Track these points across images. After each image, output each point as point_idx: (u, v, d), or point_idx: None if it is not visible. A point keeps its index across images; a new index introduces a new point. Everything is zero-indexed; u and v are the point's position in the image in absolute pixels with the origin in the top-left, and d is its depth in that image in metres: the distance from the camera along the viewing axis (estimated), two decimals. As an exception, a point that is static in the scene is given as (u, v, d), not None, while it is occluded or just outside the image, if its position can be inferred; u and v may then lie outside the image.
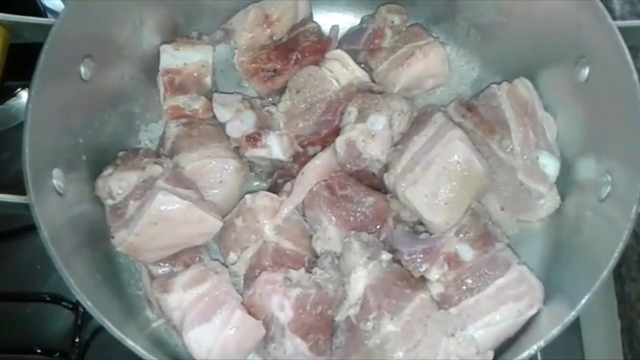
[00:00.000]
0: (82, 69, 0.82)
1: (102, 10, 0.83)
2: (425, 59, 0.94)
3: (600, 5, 0.77)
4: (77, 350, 0.92)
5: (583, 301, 0.67)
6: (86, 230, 0.82)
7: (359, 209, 0.84)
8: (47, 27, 0.78)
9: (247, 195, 0.86)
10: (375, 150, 0.86)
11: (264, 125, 0.90)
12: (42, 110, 0.75)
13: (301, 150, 0.92)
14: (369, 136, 0.86)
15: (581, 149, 0.84)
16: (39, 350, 0.93)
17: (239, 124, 0.90)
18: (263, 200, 0.85)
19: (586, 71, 0.80)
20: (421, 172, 0.81)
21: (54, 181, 0.76)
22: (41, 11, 1.10)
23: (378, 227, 0.84)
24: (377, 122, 0.87)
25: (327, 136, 0.91)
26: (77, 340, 0.92)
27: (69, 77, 0.80)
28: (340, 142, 0.86)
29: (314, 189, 0.85)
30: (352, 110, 0.89)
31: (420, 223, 0.84)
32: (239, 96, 0.94)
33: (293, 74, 0.94)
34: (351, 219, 0.84)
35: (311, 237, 0.86)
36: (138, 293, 0.88)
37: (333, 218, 0.84)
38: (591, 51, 0.79)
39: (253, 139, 0.89)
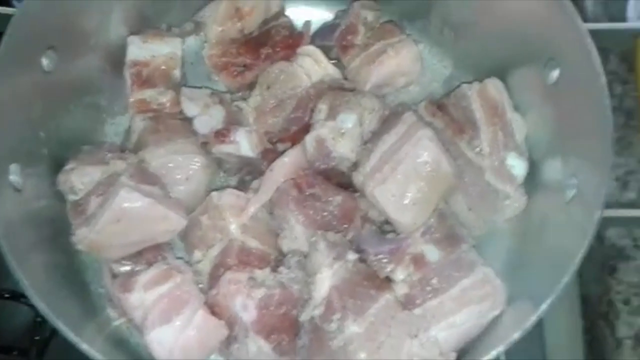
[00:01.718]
0: (44, 61, 0.79)
1: (66, 0, 0.81)
2: (397, 57, 0.94)
3: (571, 6, 0.77)
4: (36, 349, 0.89)
5: (544, 306, 0.67)
6: (46, 227, 0.80)
7: (326, 208, 0.83)
8: (7, 17, 0.75)
9: (213, 193, 0.84)
10: (344, 149, 0.85)
11: (232, 121, 0.89)
12: (0, 103, 0.73)
13: (270, 146, 0.90)
14: (339, 134, 0.85)
15: (549, 150, 0.84)
16: (-4, 348, 0.91)
17: (207, 119, 0.88)
18: (229, 197, 0.84)
19: (556, 73, 0.80)
20: (390, 171, 0.81)
21: (11, 177, 0.74)
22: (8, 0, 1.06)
23: (345, 226, 0.83)
24: (348, 120, 0.86)
25: (297, 133, 0.90)
26: (36, 338, 0.90)
27: (29, 69, 0.78)
28: (309, 139, 0.85)
29: (282, 187, 0.84)
30: (323, 108, 0.88)
31: (388, 223, 0.84)
32: (207, 90, 0.93)
33: (263, 69, 0.93)
34: (318, 218, 0.83)
35: (278, 235, 0.85)
36: (100, 291, 0.86)
37: (300, 217, 0.83)
38: (561, 53, 0.79)
39: (221, 134, 0.87)
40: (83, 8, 0.84)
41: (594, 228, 0.68)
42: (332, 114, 0.86)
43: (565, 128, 0.81)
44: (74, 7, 0.82)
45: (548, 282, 0.70)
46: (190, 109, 0.89)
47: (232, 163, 0.91)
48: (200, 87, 0.95)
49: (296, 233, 0.83)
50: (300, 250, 0.82)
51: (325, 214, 0.83)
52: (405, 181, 0.80)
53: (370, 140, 0.87)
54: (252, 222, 0.84)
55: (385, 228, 0.85)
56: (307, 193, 0.84)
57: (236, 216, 0.83)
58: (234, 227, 0.82)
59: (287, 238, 0.83)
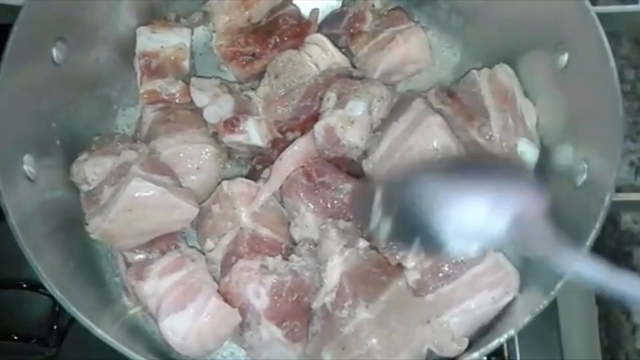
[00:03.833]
0: (54, 52, 0.80)
1: (75, -9, 0.81)
2: (406, 44, 0.93)
3: (580, -11, 0.76)
4: (55, 337, 0.91)
5: (554, 291, 0.67)
6: (60, 217, 0.81)
7: (336, 196, 0.84)
8: (17, 9, 0.76)
9: (223, 182, 0.85)
10: (354, 137, 0.85)
11: (242, 110, 0.89)
12: (12, 95, 0.73)
13: (280, 136, 0.91)
14: (348, 122, 0.85)
15: (560, 136, 0.83)
16: (15, 337, 0.91)
17: (216, 109, 0.89)
18: (240, 186, 0.84)
19: (565, 57, 0.80)
20: (400, 159, 0.81)
21: (25, 167, 0.74)
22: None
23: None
24: (356, 108, 0.86)
25: (306, 122, 0.90)
26: (54, 327, 0.91)
27: (40, 61, 0.79)
28: (318, 128, 0.85)
29: (292, 176, 0.85)
30: (331, 96, 0.88)
31: None
32: (217, 80, 0.93)
33: (272, 58, 0.93)
34: (329, 205, 0.83)
35: (289, 224, 0.86)
36: (115, 280, 0.87)
37: (310, 205, 0.83)
38: (570, 37, 0.79)
39: (231, 124, 0.88)
40: (91, -1, 0.85)
41: (605, 212, 0.68)
42: (341, 102, 0.86)
43: (575, 113, 0.80)
44: (82, -1, 0.83)
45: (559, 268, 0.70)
46: (200, 99, 0.89)
47: (242, 152, 0.92)
48: (209, 77, 0.95)
49: (307, 221, 0.83)
50: (312, 238, 0.83)
51: (335, 202, 0.83)
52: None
53: (380, 127, 0.87)
54: (263, 211, 0.84)
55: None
56: (317, 181, 0.84)
57: (247, 205, 0.83)
58: (245, 216, 0.83)
59: (297, 226, 0.84)
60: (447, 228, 0.63)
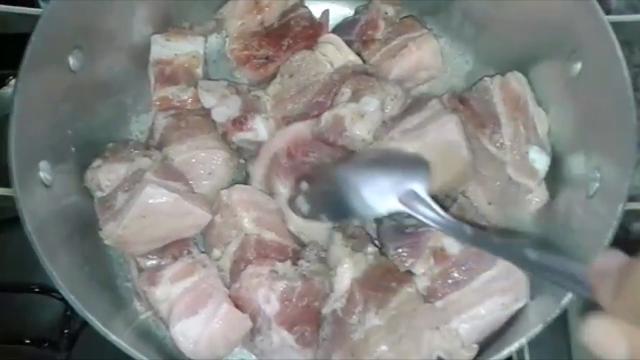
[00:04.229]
0: (71, 60, 0.81)
1: (92, 1, 0.83)
2: (418, 51, 0.94)
3: (593, -1, 0.76)
4: (67, 341, 0.92)
5: (566, 299, 0.67)
6: (74, 222, 0.82)
7: (308, 160, 0.84)
8: (35, 18, 0.77)
9: (222, 191, 0.85)
10: (361, 130, 0.85)
11: (250, 109, 0.90)
12: (29, 102, 0.74)
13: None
14: (359, 116, 0.85)
15: (572, 144, 0.83)
16: (27, 341, 0.93)
17: (224, 109, 0.89)
18: (238, 193, 0.85)
19: (578, 66, 0.79)
20: (410, 139, 0.81)
21: (41, 173, 0.75)
22: (34, 1, 1.09)
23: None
24: (370, 103, 0.86)
25: (316, 117, 0.89)
26: (66, 330, 0.92)
27: (57, 69, 0.80)
28: (327, 115, 0.86)
29: (275, 154, 0.85)
30: (346, 91, 0.88)
31: (408, 216, 0.84)
32: (224, 82, 0.94)
33: (285, 60, 0.94)
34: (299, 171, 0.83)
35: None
36: (127, 285, 0.88)
37: (287, 182, 0.83)
38: (583, 45, 0.78)
39: (239, 122, 0.88)
40: (108, 8, 0.86)
41: (617, 221, 0.68)
42: (354, 97, 0.87)
43: (588, 121, 0.80)
44: (99, 8, 0.84)
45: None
46: (207, 100, 0.90)
47: (253, 151, 0.92)
48: (217, 80, 0.96)
49: (284, 199, 0.83)
50: (320, 243, 0.83)
51: (304, 165, 0.83)
52: (422, 148, 0.80)
53: (392, 120, 0.87)
54: (266, 215, 0.85)
55: (404, 222, 0.85)
56: (299, 160, 0.84)
57: (247, 211, 0.84)
58: (247, 222, 0.83)
59: (289, 218, 0.84)
60: (354, 200, 0.77)
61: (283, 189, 0.84)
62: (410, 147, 0.81)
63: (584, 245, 0.73)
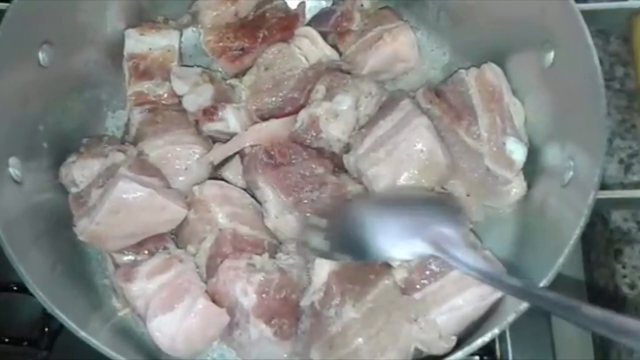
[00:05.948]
0: (40, 55, 0.80)
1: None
2: (394, 43, 0.93)
3: (563, -14, 0.76)
4: (46, 340, 0.91)
5: (540, 285, 0.67)
6: (48, 219, 0.81)
7: (297, 171, 0.83)
8: (2, 13, 0.76)
9: (194, 187, 0.84)
10: (335, 131, 0.85)
11: (222, 99, 0.89)
12: (-3, 98, 0.74)
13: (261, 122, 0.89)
14: (333, 115, 0.85)
15: (548, 134, 0.84)
16: (7, 340, 0.92)
17: (195, 98, 0.89)
18: (211, 189, 0.84)
19: (551, 56, 0.80)
20: (385, 154, 0.81)
21: (10, 169, 0.74)
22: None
23: (315, 187, 0.82)
24: (343, 102, 0.86)
25: (290, 113, 0.89)
26: (46, 329, 0.91)
27: (25, 64, 0.79)
28: (303, 114, 0.86)
29: (252, 152, 0.84)
30: (320, 89, 0.88)
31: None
32: (198, 69, 0.93)
33: (261, 52, 0.93)
34: (288, 181, 0.82)
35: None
36: (105, 282, 0.87)
37: (269, 178, 0.82)
38: (555, 35, 0.79)
39: (209, 112, 0.88)
40: (78, 2, 0.85)
41: (589, 210, 0.68)
42: (329, 95, 0.87)
43: (562, 111, 0.81)
44: (69, 2, 0.83)
45: (546, 265, 0.70)
46: (179, 87, 0.90)
47: (223, 140, 0.90)
48: (192, 66, 0.95)
49: (266, 196, 0.83)
50: (296, 237, 0.83)
51: (294, 176, 0.83)
52: (398, 166, 0.80)
53: (366, 125, 0.87)
54: (239, 209, 0.84)
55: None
56: (278, 160, 0.84)
57: (221, 206, 0.83)
58: (221, 217, 0.82)
59: (267, 213, 0.83)
60: (376, 241, 0.75)
61: (262, 184, 0.83)
62: (385, 170, 0.81)
63: (559, 234, 0.73)
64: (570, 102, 0.78)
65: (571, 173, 0.74)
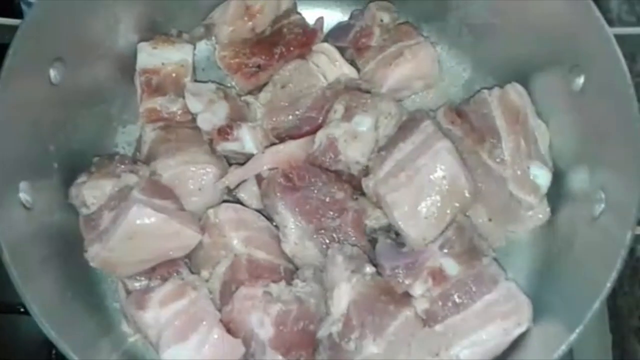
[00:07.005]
0: (52, 73, 0.77)
1: (73, 10, 0.79)
2: (414, 60, 0.91)
3: (596, 11, 0.73)
4: (53, 362, 0.89)
5: (574, 335, 0.64)
6: (58, 241, 0.79)
7: (317, 196, 0.81)
8: (14, 29, 0.73)
9: (209, 210, 0.82)
10: (354, 152, 0.83)
11: (237, 117, 0.87)
12: (7, 119, 0.71)
13: (277, 142, 0.87)
14: (352, 137, 0.83)
15: (575, 160, 0.81)
16: (14, 362, 0.90)
17: (210, 116, 0.86)
18: (227, 213, 0.82)
19: (581, 80, 0.77)
20: (406, 179, 0.79)
21: (21, 195, 0.72)
22: (18, 11, 1.04)
23: (336, 215, 0.81)
24: (362, 122, 0.83)
25: (307, 133, 0.87)
26: (53, 351, 0.89)
27: (36, 82, 0.76)
28: (321, 135, 0.83)
29: (270, 176, 0.82)
30: (339, 108, 0.85)
31: (388, 230, 0.82)
32: (213, 85, 0.90)
33: (278, 69, 0.90)
34: (307, 206, 0.80)
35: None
36: (115, 305, 0.85)
37: (288, 203, 0.80)
38: (586, 59, 0.76)
39: (225, 132, 0.85)
40: (90, 17, 0.82)
41: (626, 250, 0.65)
42: (347, 116, 0.84)
43: (591, 137, 0.78)
44: (81, 17, 0.80)
45: (577, 305, 0.68)
46: (194, 105, 0.87)
47: (239, 159, 0.89)
48: (206, 82, 0.92)
49: (285, 222, 0.80)
50: (314, 263, 0.81)
51: (314, 201, 0.80)
52: (420, 192, 0.78)
53: (385, 147, 0.84)
54: (255, 233, 0.82)
55: (400, 240, 0.82)
56: (297, 184, 0.81)
57: (236, 230, 0.81)
58: (236, 242, 0.80)
59: (285, 237, 0.81)
60: None
61: (282, 209, 0.81)
62: (405, 196, 0.78)
63: (587, 267, 0.70)
64: (601, 129, 0.76)
65: (603, 205, 0.72)
